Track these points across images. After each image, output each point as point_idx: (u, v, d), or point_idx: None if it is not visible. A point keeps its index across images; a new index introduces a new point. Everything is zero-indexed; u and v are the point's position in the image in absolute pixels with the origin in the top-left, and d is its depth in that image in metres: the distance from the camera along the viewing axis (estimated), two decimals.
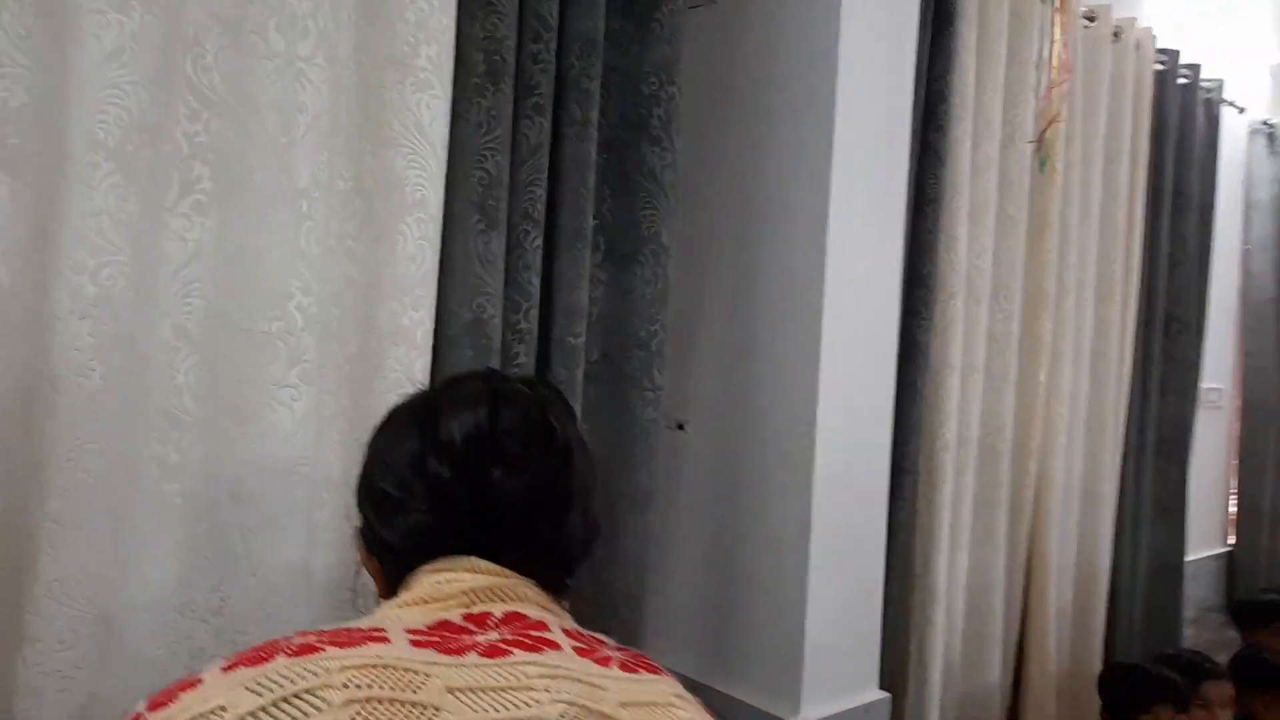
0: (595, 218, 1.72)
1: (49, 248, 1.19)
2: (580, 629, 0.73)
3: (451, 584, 0.67)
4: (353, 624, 0.64)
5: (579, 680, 0.63)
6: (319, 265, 1.42)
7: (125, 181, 1.23)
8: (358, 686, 0.56)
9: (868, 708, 1.98)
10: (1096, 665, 2.73)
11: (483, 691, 0.59)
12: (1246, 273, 3.58)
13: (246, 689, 0.56)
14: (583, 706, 0.61)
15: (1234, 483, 3.71)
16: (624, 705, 0.64)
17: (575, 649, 0.67)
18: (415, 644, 0.61)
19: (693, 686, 1.91)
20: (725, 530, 2.04)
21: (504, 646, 0.63)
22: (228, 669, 0.59)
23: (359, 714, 0.54)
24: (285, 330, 1.38)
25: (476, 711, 0.57)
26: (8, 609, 1.15)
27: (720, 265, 2.05)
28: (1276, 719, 2.41)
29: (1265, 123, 3.61)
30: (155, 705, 0.59)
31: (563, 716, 0.60)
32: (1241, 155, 3.55)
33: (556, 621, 0.70)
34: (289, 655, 0.58)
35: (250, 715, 0.54)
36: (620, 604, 1.71)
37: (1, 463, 1.16)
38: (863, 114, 1.89)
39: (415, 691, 0.56)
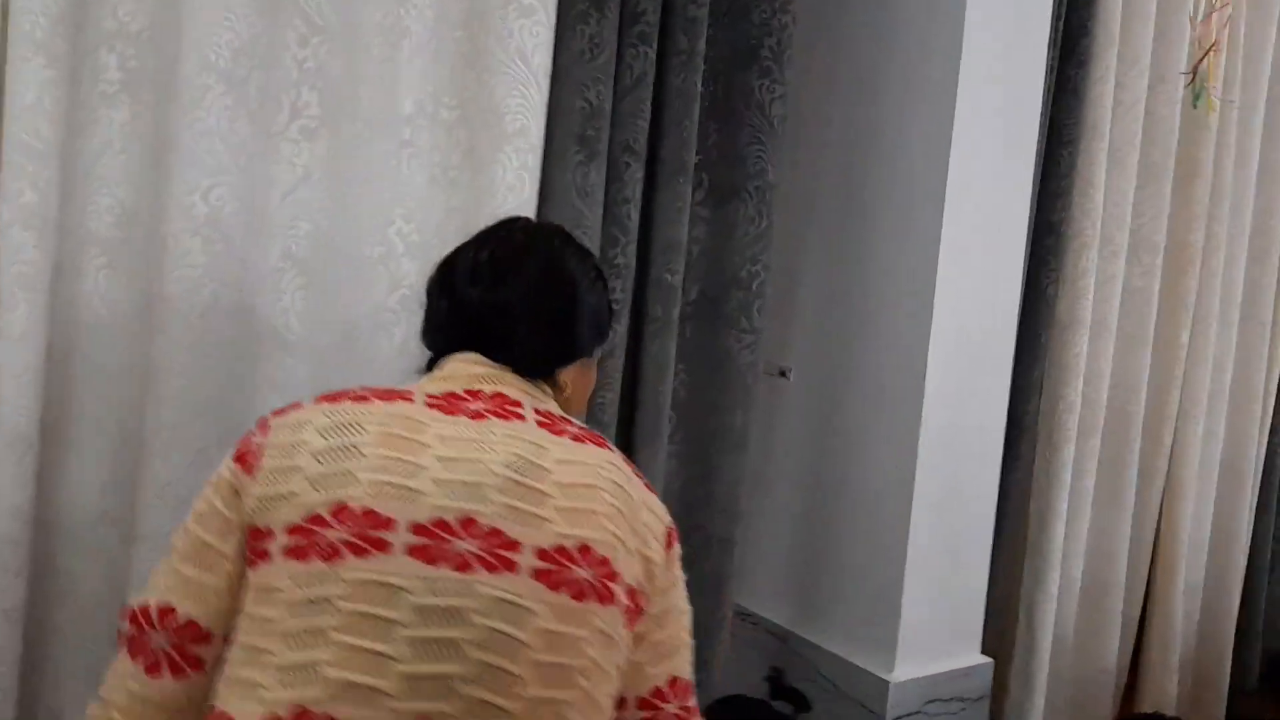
0: (699, 152, 1.68)
1: (165, 168, 1.23)
2: (553, 410, 0.95)
3: (458, 370, 0.94)
4: (397, 388, 0.92)
5: (531, 442, 0.88)
6: (421, 193, 1.43)
7: (235, 104, 1.26)
8: (384, 424, 0.86)
9: (967, 671, 1.90)
10: (1226, 649, 2.55)
11: (459, 440, 0.86)
12: None
13: (323, 413, 0.88)
14: (526, 459, 0.86)
15: None
16: (559, 461, 0.88)
17: (538, 422, 0.91)
18: (428, 405, 0.90)
19: (783, 635, 1.89)
20: (824, 479, 1.98)
21: (484, 413, 0.90)
22: (316, 401, 0.90)
23: (382, 438, 0.85)
24: (386, 255, 1.40)
25: (450, 449, 0.85)
26: (123, 510, 1.23)
27: (828, 205, 1.97)
28: None
29: None
30: (279, 413, 0.91)
31: (508, 463, 0.85)
32: None
33: (531, 402, 0.94)
34: (351, 400, 0.89)
35: (323, 426, 0.86)
36: (713, 547, 1.70)
37: (120, 373, 1.23)
38: (991, 45, 1.76)
39: (418, 433, 0.86)
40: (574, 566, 0.83)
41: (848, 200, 1.93)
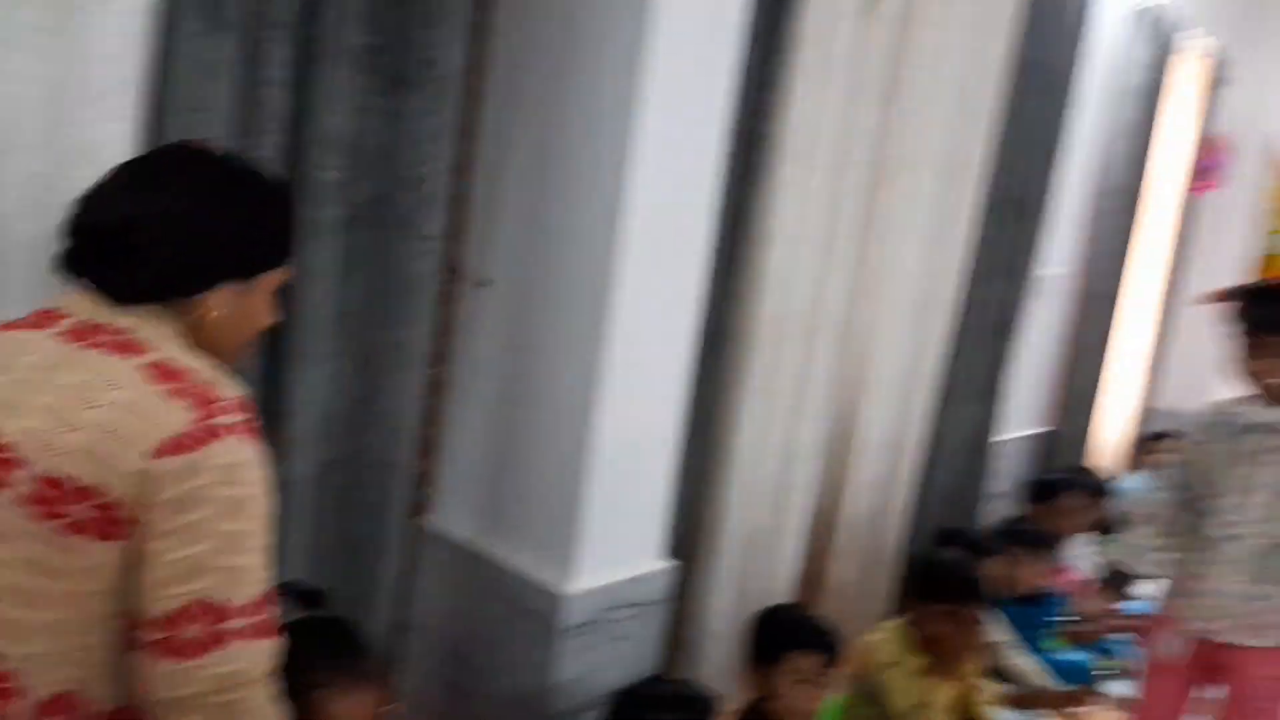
0: (368, 33, 1.49)
1: None
2: (104, 327, 0.93)
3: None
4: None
5: (54, 352, 0.92)
6: None
7: None
8: None
9: (649, 577, 1.97)
10: (899, 540, 2.83)
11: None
12: (1104, 160, 3.57)
13: None
14: (45, 365, 0.91)
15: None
16: (59, 364, 0.91)
17: (72, 333, 0.93)
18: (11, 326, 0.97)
19: (473, 553, 1.81)
20: (511, 391, 1.93)
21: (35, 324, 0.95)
22: None
23: None
24: None
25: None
26: None
27: (530, 106, 1.85)
28: (1029, 580, 2.57)
29: (1147, 6, 3.52)
30: None
31: (31, 366, 0.91)
32: (1117, 38, 3.47)
33: (83, 317, 0.94)
34: None
35: None
36: (379, 471, 1.60)
37: None
38: None
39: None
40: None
41: (545, 99, 1.82)
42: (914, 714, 1.98)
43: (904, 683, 2.00)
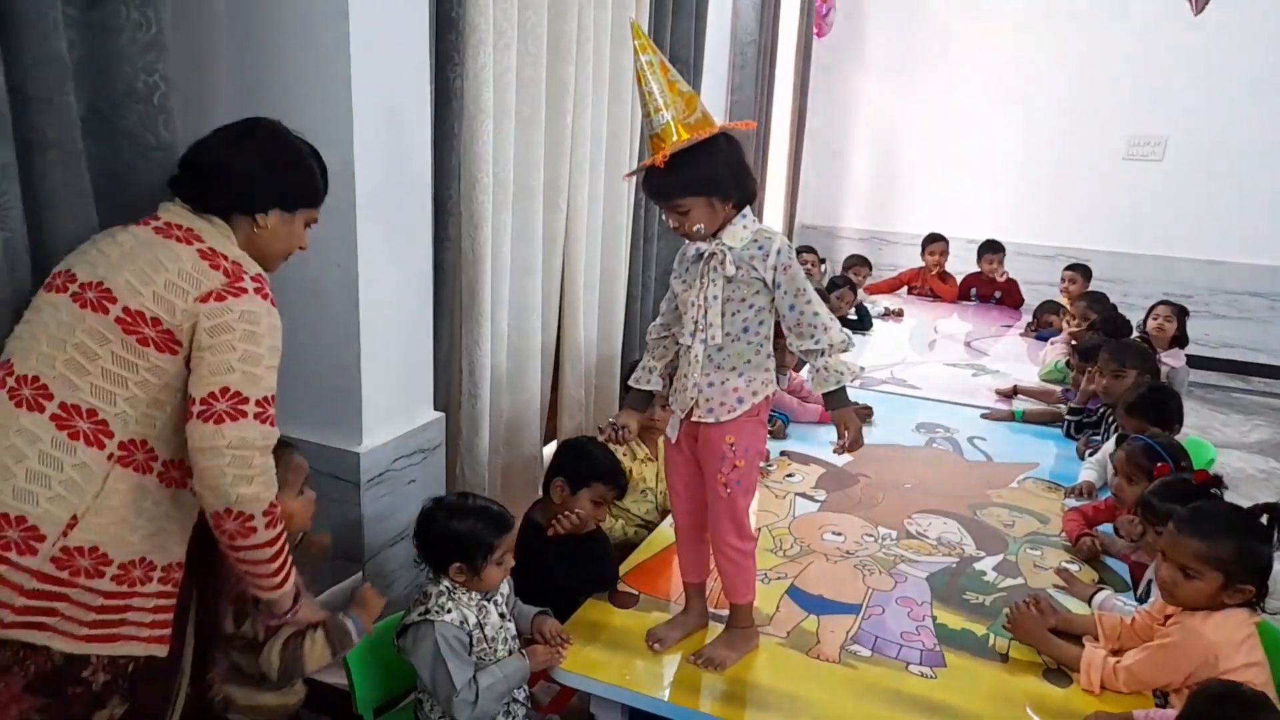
0: None
1: None
2: (178, 225, 1.42)
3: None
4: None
5: (145, 237, 1.40)
6: None
7: None
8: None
9: (425, 427, 2.24)
10: (616, 359, 3.30)
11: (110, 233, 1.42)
12: (735, 14, 4.08)
13: None
14: (138, 244, 1.39)
15: None
16: (147, 244, 1.39)
17: (155, 229, 1.42)
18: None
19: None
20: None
21: (144, 223, 1.43)
22: None
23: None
24: None
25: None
26: None
27: (235, 12, 1.90)
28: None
29: None
30: None
31: (130, 245, 1.39)
32: None
33: (170, 219, 1.43)
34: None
35: None
36: None
37: None
38: None
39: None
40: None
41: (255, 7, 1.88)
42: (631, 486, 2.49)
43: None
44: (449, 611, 1.65)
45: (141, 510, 1.35)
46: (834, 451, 1.85)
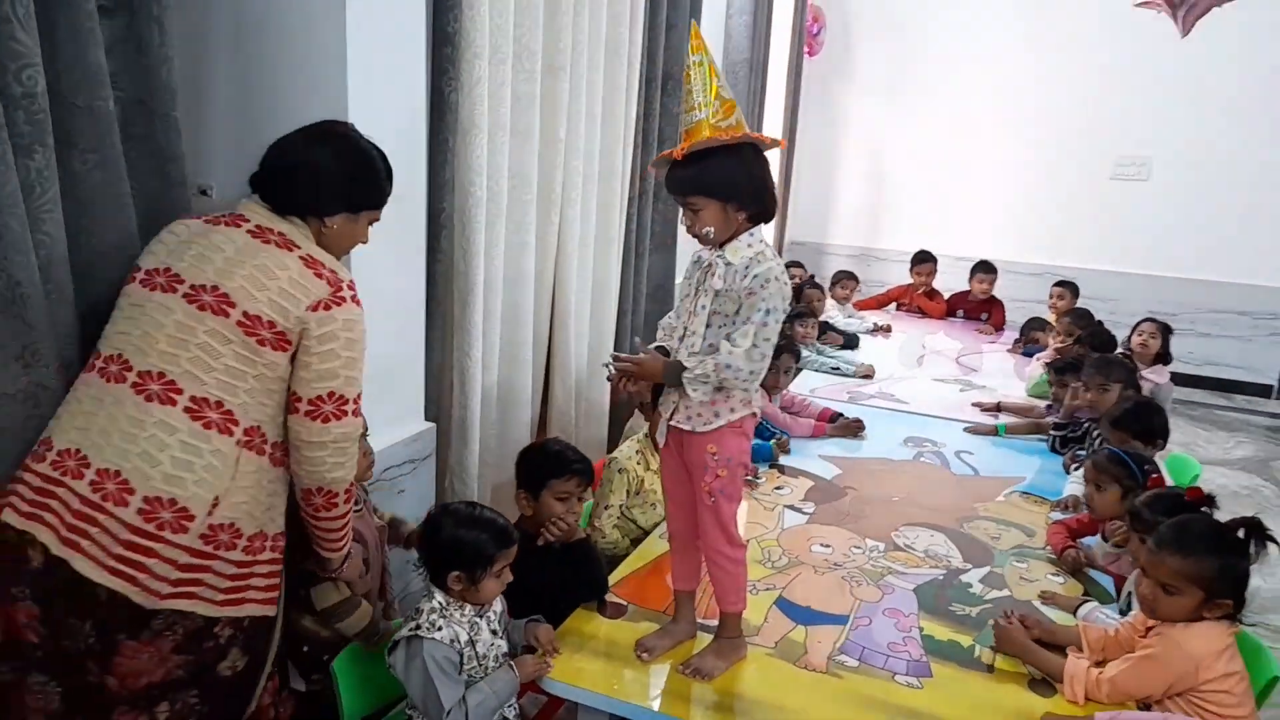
0: None
1: None
2: (271, 230, 1.55)
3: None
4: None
5: (246, 243, 1.53)
6: None
7: None
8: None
9: (416, 437, 2.26)
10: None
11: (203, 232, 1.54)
12: (728, 35, 4.13)
13: None
14: (245, 249, 1.52)
15: None
16: (253, 250, 1.52)
17: (250, 231, 1.55)
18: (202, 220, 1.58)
19: None
20: None
21: (231, 223, 1.55)
22: None
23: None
24: None
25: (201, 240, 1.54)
26: None
27: (223, 17, 1.92)
28: None
29: None
30: None
31: (236, 250, 1.51)
32: None
33: (260, 221, 1.56)
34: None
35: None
36: None
37: None
38: None
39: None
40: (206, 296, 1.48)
41: (241, 6, 1.90)
42: (638, 495, 2.50)
43: (631, 470, 2.49)
44: (439, 629, 1.64)
45: (262, 488, 1.52)
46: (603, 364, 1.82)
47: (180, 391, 1.44)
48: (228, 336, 1.46)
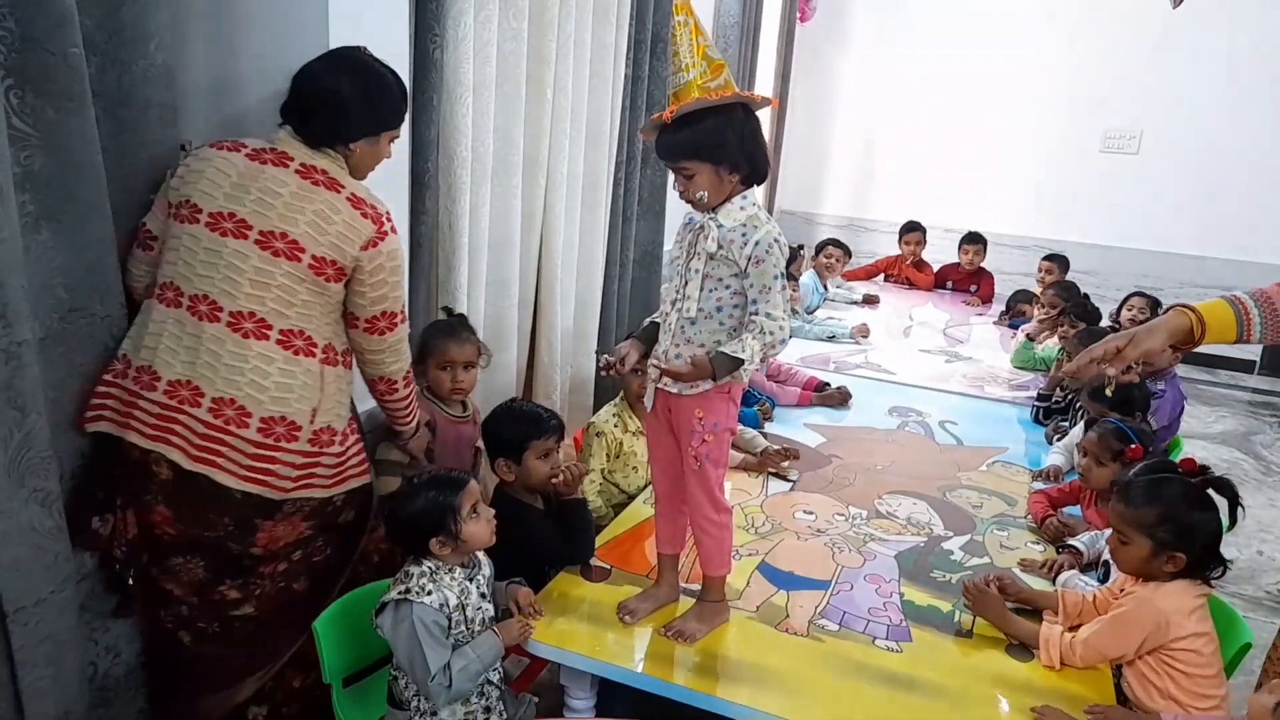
0: None
1: None
2: (316, 168, 1.72)
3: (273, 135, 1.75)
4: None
5: (299, 185, 1.69)
6: None
7: None
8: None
9: None
10: (594, 330, 3.30)
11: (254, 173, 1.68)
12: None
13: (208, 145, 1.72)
14: (300, 193, 1.69)
15: None
16: (307, 194, 1.69)
17: (297, 171, 1.70)
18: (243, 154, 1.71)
19: None
20: None
21: (277, 162, 1.70)
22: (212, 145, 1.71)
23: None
24: None
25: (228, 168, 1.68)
26: None
27: None
28: None
29: None
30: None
31: (291, 194, 1.68)
32: None
33: (303, 159, 1.72)
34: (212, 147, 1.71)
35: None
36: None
37: None
38: None
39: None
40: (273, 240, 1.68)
41: None
42: (618, 459, 2.50)
43: (609, 434, 2.49)
44: (429, 594, 1.63)
45: (342, 391, 1.81)
46: (651, 365, 1.78)
47: (270, 327, 1.68)
48: (301, 277, 1.69)
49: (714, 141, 1.65)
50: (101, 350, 1.66)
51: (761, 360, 1.73)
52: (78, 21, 1.46)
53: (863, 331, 4.29)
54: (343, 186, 1.72)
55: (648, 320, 1.88)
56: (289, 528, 1.79)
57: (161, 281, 1.68)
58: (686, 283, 1.72)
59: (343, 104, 1.71)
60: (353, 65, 1.75)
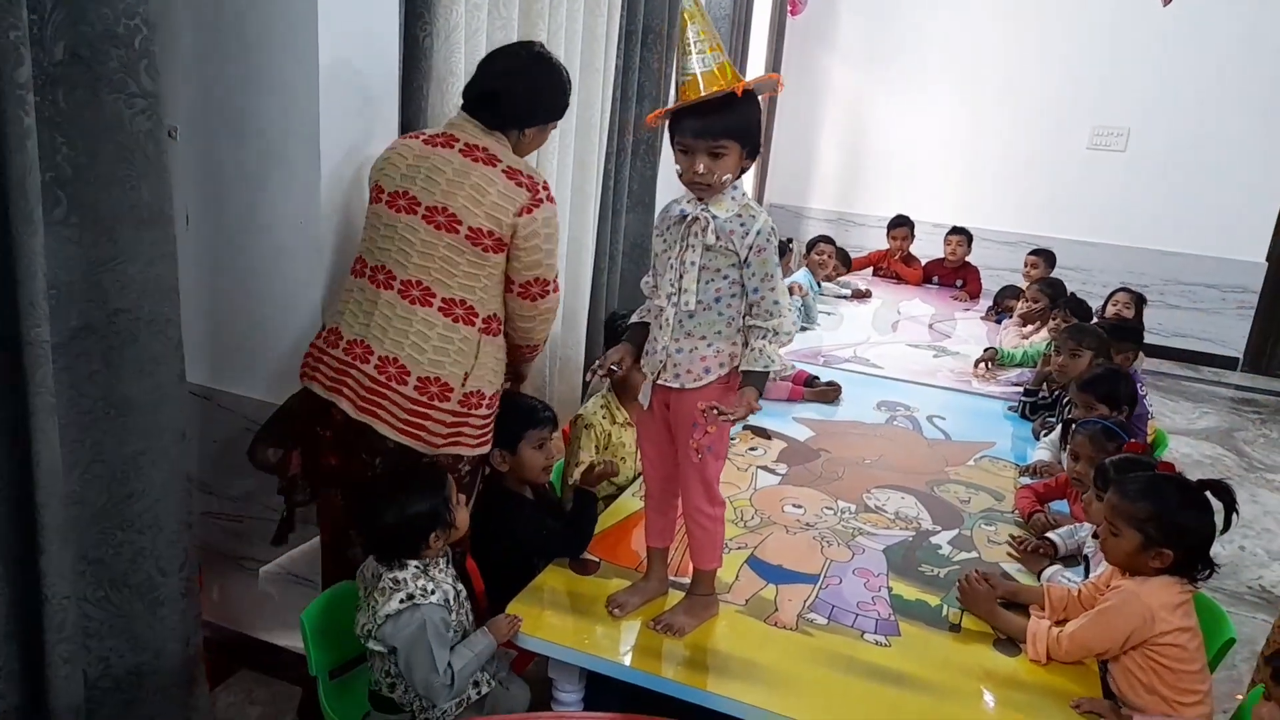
0: None
1: None
2: (477, 147, 1.88)
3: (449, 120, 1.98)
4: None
5: (460, 163, 1.87)
6: None
7: None
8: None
9: None
10: (582, 329, 3.29)
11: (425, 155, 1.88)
12: None
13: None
14: (460, 170, 1.86)
15: None
16: (465, 170, 1.86)
17: (461, 151, 1.87)
18: (420, 140, 1.93)
19: (206, 394, 1.96)
20: (227, 239, 2.01)
21: (445, 143, 1.90)
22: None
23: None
24: None
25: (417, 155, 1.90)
26: None
27: None
28: None
29: None
30: None
31: (454, 171, 1.86)
32: None
33: (468, 139, 1.88)
34: (399, 139, 2.00)
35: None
36: (141, 330, 1.64)
37: None
38: None
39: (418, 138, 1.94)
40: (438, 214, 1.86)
41: None
42: (607, 450, 2.49)
43: (598, 425, 2.49)
44: (432, 594, 1.64)
45: (496, 359, 1.95)
46: (713, 413, 1.68)
47: (434, 295, 1.85)
48: (460, 249, 1.83)
49: (748, 124, 1.65)
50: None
51: (706, 344, 1.74)
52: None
53: (863, 294, 4.77)
54: (499, 160, 1.86)
55: (633, 319, 1.85)
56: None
57: (357, 255, 1.91)
58: (682, 275, 1.71)
59: (525, 93, 1.90)
60: (536, 59, 1.93)
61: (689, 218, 1.69)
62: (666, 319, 1.74)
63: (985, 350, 3.87)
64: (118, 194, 1.55)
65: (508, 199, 1.83)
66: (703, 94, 1.59)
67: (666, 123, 1.69)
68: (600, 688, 1.83)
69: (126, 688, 1.76)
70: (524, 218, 1.84)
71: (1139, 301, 4.00)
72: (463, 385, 1.88)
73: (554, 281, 1.95)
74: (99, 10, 1.49)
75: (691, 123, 1.64)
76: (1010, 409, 3.39)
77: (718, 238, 1.67)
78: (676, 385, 1.75)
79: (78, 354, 1.55)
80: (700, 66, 1.60)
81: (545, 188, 1.89)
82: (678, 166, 1.69)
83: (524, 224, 1.84)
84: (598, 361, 1.81)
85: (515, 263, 1.88)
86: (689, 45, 1.60)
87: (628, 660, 1.76)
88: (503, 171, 1.84)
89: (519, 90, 1.89)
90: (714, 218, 1.67)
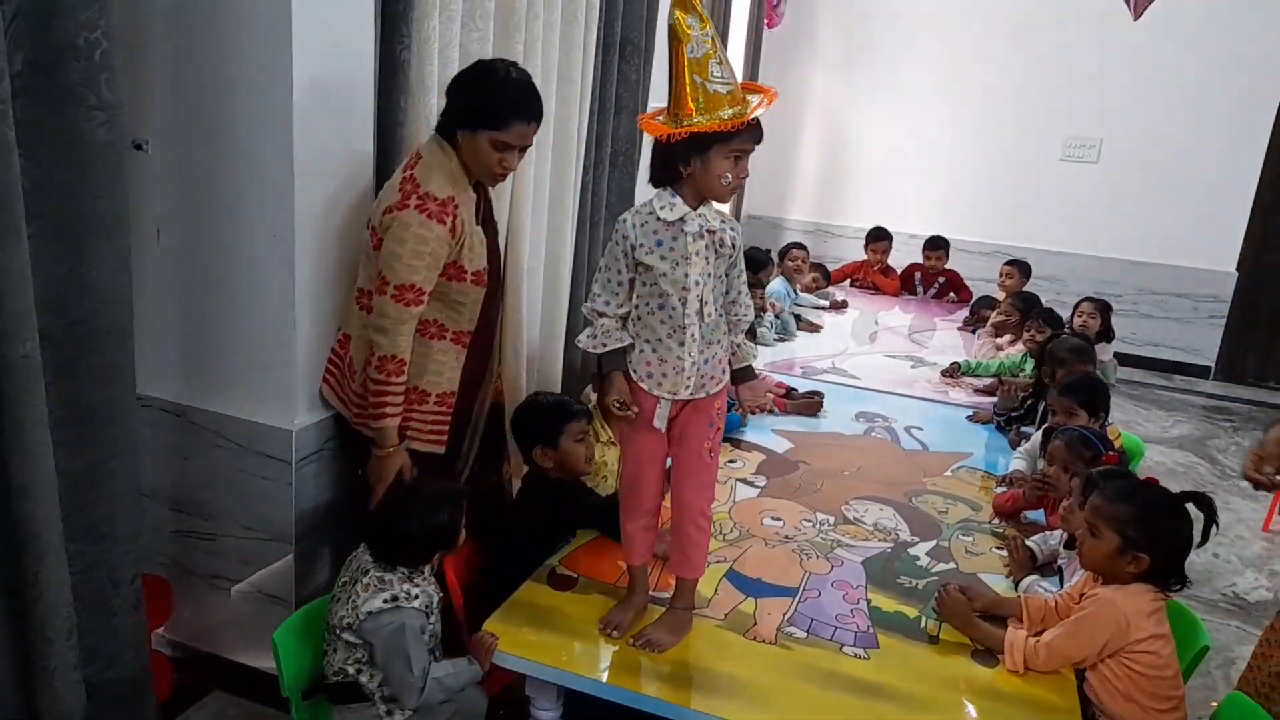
0: None
1: None
2: (417, 152, 1.95)
3: None
4: None
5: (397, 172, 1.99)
6: None
7: None
8: None
9: None
10: (560, 345, 3.28)
11: None
12: None
13: None
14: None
15: None
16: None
17: (407, 159, 1.98)
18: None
19: (179, 410, 1.93)
20: (201, 253, 1.99)
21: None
22: None
23: None
24: None
25: None
26: None
27: None
28: None
29: None
30: None
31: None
32: None
33: (419, 147, 1.98)
34: None
35: None
36: (101, 339, 1.61)
37: None
38: None
39: None
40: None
41: None
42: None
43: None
44: (415, 599, 1.67)
45: (436, 359, 2.04)
46: (747, 410, 1.98)
47: (368, 296, 1.93)
48: (368, 250, 1.93)
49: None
50: None
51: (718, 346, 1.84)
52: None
53: (839, 305, 4.87)
54: (414, 165, 1.90)
55: (607, 348, 1.77)
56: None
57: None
58: (703, 288, 1.71)
59: (453, 97, 1.93)
60: (482, 68, 1.95)
61: (702, 230, 1.69)
62: (693, 336, 1.72)
63: (950, 365, 3.90)
64: (77, 205, 1.52)
65: (388, 196, 1.89)
66: (753, 105, 1.69)
67: (670, 131, 1.64)
68: (579, 705, 1.81)
69: None
70: (389, 215, 1.86)
71: (1104, 309, 4.04)
72: (364, 366, 1.95)
73: (398, 287, 1.85)
74: (59, 23, 1.47)
75: (753, 130, 1.72)
76: (969, 418, 3.42)
77: (726, 245, 1.73)
78: (704, 394, 1.78)
79: (45, 361, 1.52)
80: (733, 76, 1.66)
81: (425, 198, 1.85)
82: (726, 176, 1.65)
83: (386, 221, 1.87)
84: (622, 402, 1.76)
85: (377, 260, 1.90)
86: (711, 53, 1.62)
87: (605, 677, 1.74)
88: (403, 174, 1.90)
89: (450, 95, 1.95)
90: (725, 227, 1.72)
